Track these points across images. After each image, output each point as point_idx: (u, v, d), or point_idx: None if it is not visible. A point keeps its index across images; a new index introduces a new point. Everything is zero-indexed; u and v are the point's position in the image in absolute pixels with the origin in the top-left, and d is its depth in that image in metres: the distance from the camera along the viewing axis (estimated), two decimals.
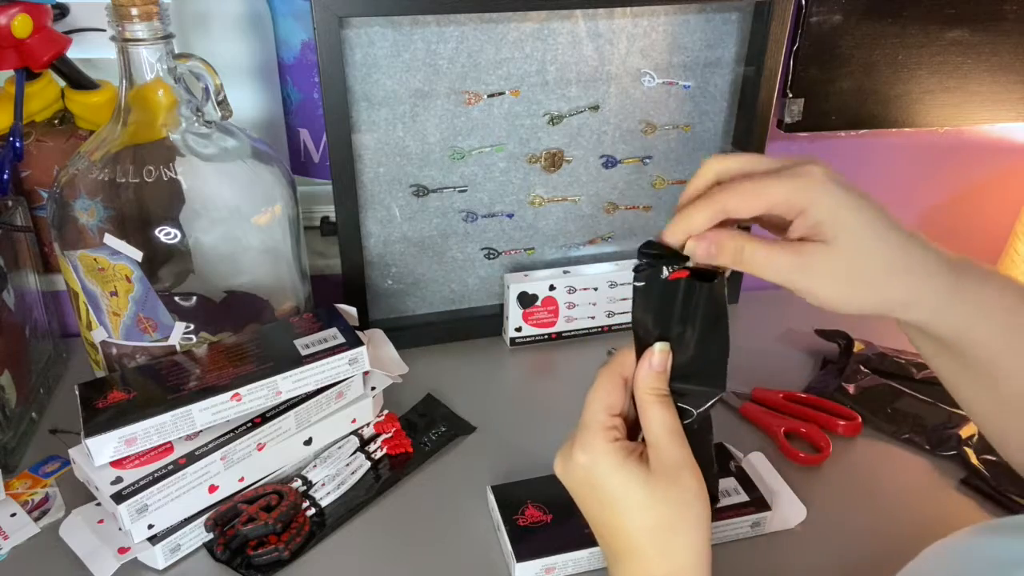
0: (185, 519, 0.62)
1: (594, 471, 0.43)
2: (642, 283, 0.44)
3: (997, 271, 0.46)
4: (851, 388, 0.81)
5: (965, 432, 0.74)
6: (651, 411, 0.43)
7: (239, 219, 0.70)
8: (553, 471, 0.46)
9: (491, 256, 0.91)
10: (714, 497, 0.44)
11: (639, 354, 0.45)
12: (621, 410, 0.45)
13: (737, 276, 0.98)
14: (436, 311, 0.92)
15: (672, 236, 0.43)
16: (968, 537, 0.35)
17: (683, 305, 0.43)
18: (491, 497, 0.66)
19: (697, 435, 0.45)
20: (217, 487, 0.64)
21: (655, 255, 0.44)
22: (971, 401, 0.49)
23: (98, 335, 0.71)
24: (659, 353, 0.44)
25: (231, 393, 0.63)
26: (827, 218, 0.41)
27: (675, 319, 0.44)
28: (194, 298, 0.70)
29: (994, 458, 0.71)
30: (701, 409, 0.45)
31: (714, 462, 0.47)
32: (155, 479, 0.60)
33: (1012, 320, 0.44)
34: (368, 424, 0.73)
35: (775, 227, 0.45)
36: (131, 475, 0.60)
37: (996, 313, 0.44)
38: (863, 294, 0.42)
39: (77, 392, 0.64)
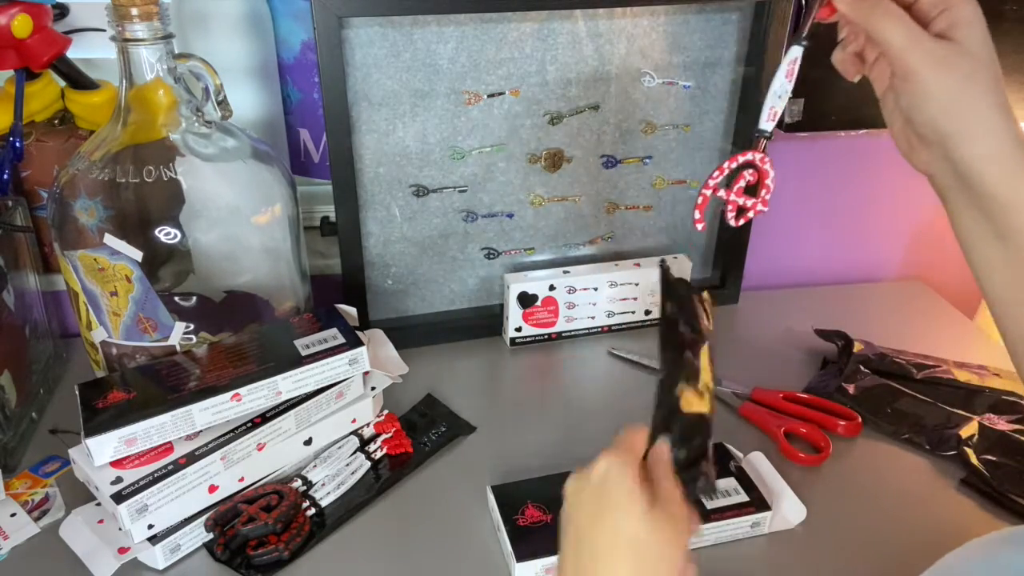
0: (185, 519, 0.62)
1: (607, 478, 0.45)
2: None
3: None
4: (851, 388, 0.81)
5: (965, 432, 0.74)
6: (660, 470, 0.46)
7: (239, 219, 0.70)
8: (553, 473, 0.46)
9: (491, 256, 0.91)
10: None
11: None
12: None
13: (737, 277, 0.98)
14: (436, 311, 0.92)
15: None
16: (990, 547, 0.35)
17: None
18: (491, 497, 0.66)
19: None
20: (217, 487, 0.64)
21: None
22: (983, 264, 0.51)
23: (98, 335, 0.71)
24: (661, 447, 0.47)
25: (231, 393, 0.63)
26: (964, 21, 0.45)
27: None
28: (194, 298, 0.70)
29: (994, 458, 0.71)
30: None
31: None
32: (155, 479, 0.60)
33: None
34: (368, 424, 0.73)
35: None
36: (131, 475, 0.60)
37: None
38: (959, 101, 0.45)
39: (77, 392, 0.64)
